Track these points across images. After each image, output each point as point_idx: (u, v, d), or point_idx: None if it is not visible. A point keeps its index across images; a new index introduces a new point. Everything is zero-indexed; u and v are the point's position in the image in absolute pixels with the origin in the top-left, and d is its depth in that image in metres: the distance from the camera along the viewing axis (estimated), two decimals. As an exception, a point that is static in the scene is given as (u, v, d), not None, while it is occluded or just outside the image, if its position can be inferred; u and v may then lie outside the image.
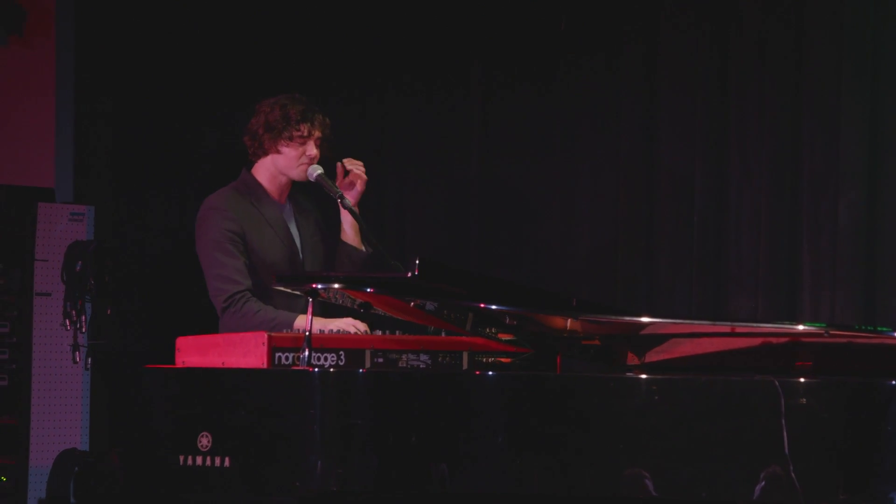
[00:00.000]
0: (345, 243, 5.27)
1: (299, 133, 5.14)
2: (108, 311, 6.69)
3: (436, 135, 6.86)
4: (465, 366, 4.71)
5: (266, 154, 5.20)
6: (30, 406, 6.62)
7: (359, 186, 5.25)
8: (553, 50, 6.54)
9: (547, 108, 6.58)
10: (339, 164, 5.23)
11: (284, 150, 5.16)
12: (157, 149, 7.12)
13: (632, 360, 4.63)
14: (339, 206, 5.21)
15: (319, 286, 4.45)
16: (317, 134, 5.17)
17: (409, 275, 4.30)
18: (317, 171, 5.17)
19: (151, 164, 7.13)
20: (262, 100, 5.25)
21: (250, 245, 5.09)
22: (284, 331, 4.69)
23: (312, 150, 5.16)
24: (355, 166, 5.24)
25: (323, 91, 6.52)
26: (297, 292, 4.75)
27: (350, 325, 4.83)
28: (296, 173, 5.17)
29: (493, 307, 4.46)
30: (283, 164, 5.18)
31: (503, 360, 4.81)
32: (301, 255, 5.20)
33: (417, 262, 4.30)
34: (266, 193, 5.19)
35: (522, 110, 6.64)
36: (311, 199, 5.36)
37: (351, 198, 5.22)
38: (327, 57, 7.01)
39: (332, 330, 4.76)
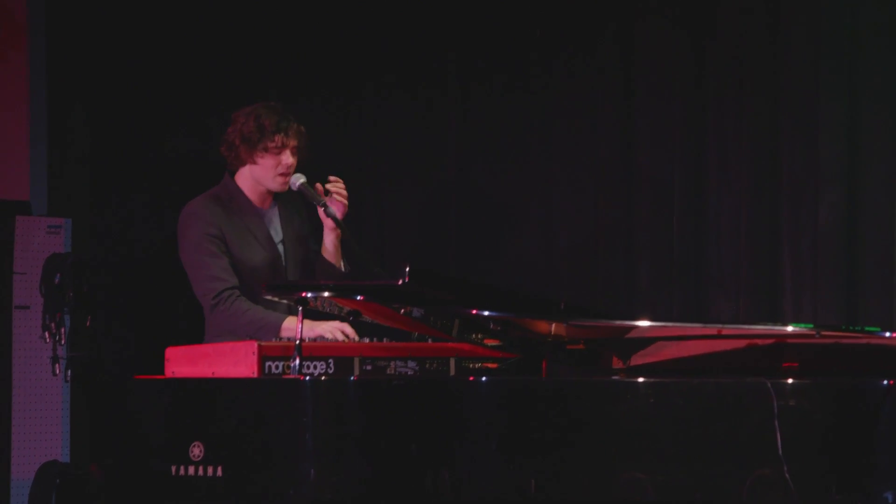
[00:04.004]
0: (324, 259, 5.23)
1: (274, 144, 5.09)
2: (88, 323, 6.63)
3: (413, 138, 6.83)
4: (452, 372, 4.69)
5: (243, 164, 5.16)
6: (10, 419, 6.54)
7: (340, 209, 5.18)
8: (530, 53, 6.52)
9: (525, 111, 6.56)
10: (318, 184, 5.18)
11: (260, 160, 5.11)
12: (133, 159, 7.05)
13: (616, 363, 4.61)
14: (320, 214, 5.18)
15: (309, 295, 4.42)
16: (292, 143, 5.12)
17: (400, 282, 4.27)
18: (299, 180, 5.13)
19: (128, 174, 7.05)
20: (238, 109, 5.20)
21: (231, 249, 5.06)
22: (273, 339, 4.65)
23: (288, 159, 5.12)
24: (337, 188, 5.18)
25: (298, 94, 6.51)
26: (286, 301, 4.73)
27: (337, 328, 4.77)
28: (272, 184, 5.13)
29: (486, 313, 4.43)
30: (260, 174, 5.14)
31: (490, 365, 4.79)
32: (284, 261, 5.17)
33: (408, 269, 4.27)
34: (247, 200, 5.16)
35: (500, 113, 6.62)
36: (297, 203, 5.32)
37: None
38: (303, 59, 6.95)
39: (320, 336, 4.72)
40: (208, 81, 6.96)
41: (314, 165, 5.20)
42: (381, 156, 6.92)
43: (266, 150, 5.10)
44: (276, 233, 5.19)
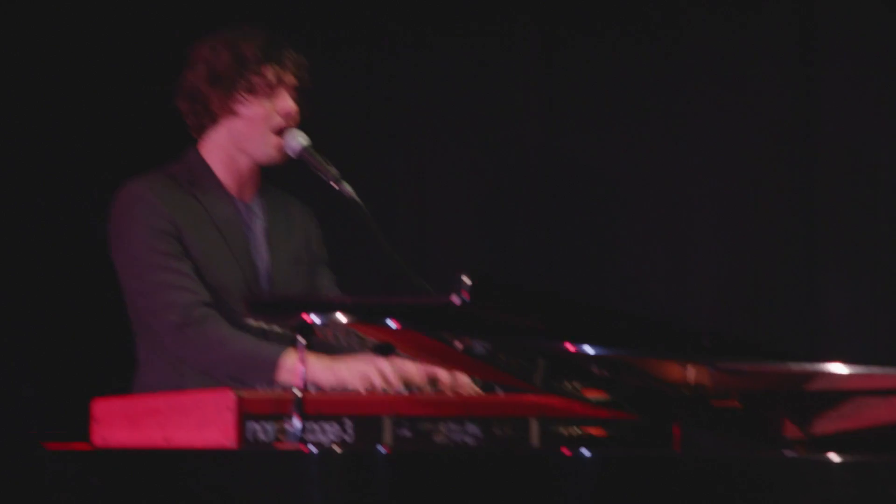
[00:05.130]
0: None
1: (263, 80, 5.13)
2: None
3: (472, 98, 7.01)
4: (534, 441, 4.73)
5: (214, 122, 5.26)
6: None
7: None
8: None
9: (642, 64, 6.72)
10: None
11: (244, 109, 5.23)
12: (26, 106, 7.05)
13: (791, 430, 4.64)
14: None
15: (315, 319, 4.37)
16: (290, 80, 5.20)
17: (456, 299, 4.21)
18: (300, 141, 5.14)
19: (16, 128, 7.05)
20: (198, 42, 5.31)
21: (189, 254, 5.16)
22: (264, 385, 4.70)
23: (286, 102, 5.23)
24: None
25: (306, 32, 6.51)
26: (278, 327, 4.70)
27: (373, 371, 4.80)
28: (263, 147, 5.24)
29: (588, 350, 4.38)
30: (245, 132, 5.24)
31: (593, 431, 4.85)
32: (261, 282, 5.21)
33: (468, 280, 4.21)
34: (217, 184, 5.21)
35: (604, 68, 6.77)
36: (296, 207, 5.33)
37: None
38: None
39: (344, 385, 4.78)
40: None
41: (329, 133, 5.19)
42: (426, 124, 7.09)
43: (251, 90, 5.19)
44: (257, 241, 5.21)
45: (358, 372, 4.79)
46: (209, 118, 5.26)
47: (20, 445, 5.02)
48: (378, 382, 4.75)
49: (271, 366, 4.85)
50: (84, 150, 7.00)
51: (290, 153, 5.20)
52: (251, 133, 5.22)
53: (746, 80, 6.51)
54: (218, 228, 5.21)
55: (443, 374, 4.89)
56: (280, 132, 5.20)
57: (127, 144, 6.82)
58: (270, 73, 5.19)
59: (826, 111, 6.34)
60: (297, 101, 5.22)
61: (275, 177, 5.36)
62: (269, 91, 5.20)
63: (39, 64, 7.05)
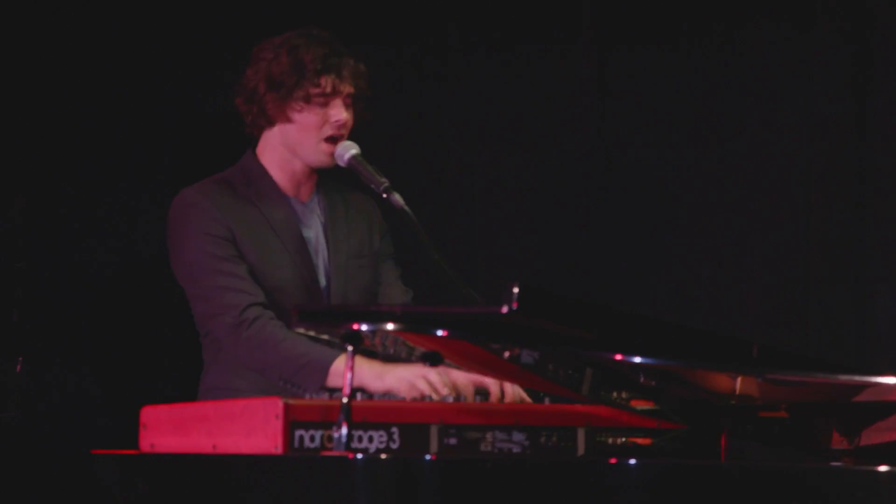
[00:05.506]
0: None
1: (319, 90, 5.16)
2: (18, 367, 6.65)
3: (524, 106, 6.98)
4: (581, 450, 4.71)
5: (270, 124, 5.26)
6: None
7: None
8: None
9: (694, 69, 6.72)
10: None
11: (298, 116, 5.25)
12: (92, 128, 7.04)
13: (838, 442, 4.64)
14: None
15: (364, 327, 4.37)
16: (346, 89, 5.23)
17: (506, 309, 4.19)
18: (350, 150, 5.15)
19: (84, 150, 7.04)
20: (262, 42, 5.31)
21: (245, 258, 5.18)
22: (311, 394, 4.67)
23: (340, 112, 5.21)
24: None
25: (356, 26, 6.48)
26: (326, 335, 4.75)
27: (419, 377, 4.83)
28: (315, 153, 5.23)
29: (636, 360, 4.38)
30: (297, 137, 5.25)
31: (639, 440, 4.83)
32: (324, 282, 5.18)
33: (517, 290, 4.20)
34: (273, 185, 5.20)
35: (656, 74, 6.76)
36: (358, 200, 5.34)
37: None
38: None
39: (391, 392, 4.83)
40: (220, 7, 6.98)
41: (379, 141, 5.20)
42: (477, 133, 7.06)
43: (307, 98, 5.18)
44: (315, 240, 5.19)
45: (406, 380, 4.79)
46: (265, 120, 5.28)
47: (72, 452, 5.00)
48: (425, 389, 4.74)
49: (323, 369, 4.87)
50: (144, 162, 7.00)
51: (340, 163, 5.19)
52: (303, 139, 5.23)
53: (798, 90, 6.48)
54: (274, 230, 5.23)
55: (491, 385, 4.88)
56: (331, 140, 5.20)
57: (186, 154, 6.83)
58: (327, 83, 5.19)
59: (878, 122, 6.30)
60: (353, 106, 5.22)
61: (335, 175, 5.35)
62: (324, 100, 5.20)
63: (104, 76, 7.06)
